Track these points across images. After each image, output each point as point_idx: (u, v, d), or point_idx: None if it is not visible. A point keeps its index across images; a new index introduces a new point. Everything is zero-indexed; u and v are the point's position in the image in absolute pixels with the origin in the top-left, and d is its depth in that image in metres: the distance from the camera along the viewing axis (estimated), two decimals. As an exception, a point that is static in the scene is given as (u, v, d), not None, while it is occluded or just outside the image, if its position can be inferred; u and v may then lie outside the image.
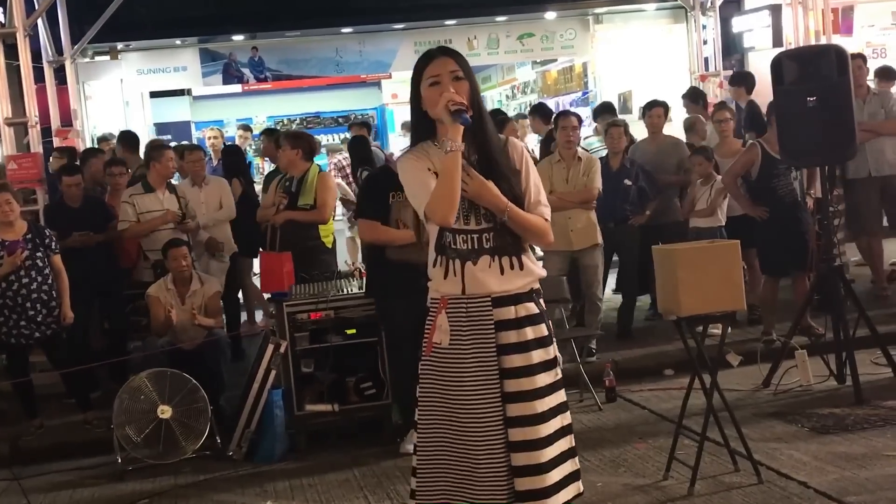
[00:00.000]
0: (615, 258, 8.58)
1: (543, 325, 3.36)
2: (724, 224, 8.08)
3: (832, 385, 6.69)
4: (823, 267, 6.74)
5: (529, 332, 3.30)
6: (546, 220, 3.38)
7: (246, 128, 13.32)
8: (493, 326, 3.27)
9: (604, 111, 10.25)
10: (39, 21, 9.98)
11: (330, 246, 7.64)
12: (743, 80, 10.32)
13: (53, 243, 7.02)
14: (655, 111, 8.83)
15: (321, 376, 6.48)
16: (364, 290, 6.42)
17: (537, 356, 3.31)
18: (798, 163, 7.20)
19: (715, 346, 5.56)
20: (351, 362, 6.55)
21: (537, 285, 3.40)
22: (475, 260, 3.27)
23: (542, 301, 3.41)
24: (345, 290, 6.65)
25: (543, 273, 3.42)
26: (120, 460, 6.30)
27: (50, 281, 6.90)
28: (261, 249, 7.84)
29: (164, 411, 6.28)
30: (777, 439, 5.77)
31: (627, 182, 8.12)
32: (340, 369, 6.53)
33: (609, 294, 9.38)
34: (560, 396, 3.39)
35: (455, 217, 3.21)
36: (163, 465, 6.26)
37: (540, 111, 10.27)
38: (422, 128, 3.38)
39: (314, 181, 7.33)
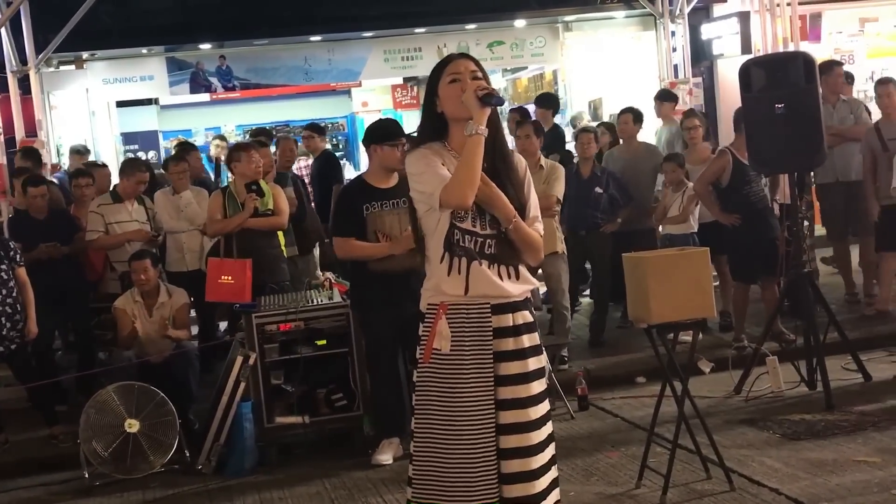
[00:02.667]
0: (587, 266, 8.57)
1: (537, 334, 3.43)
2: (696, 231, 8.11)
3: (803, 391, 6.71)
4: (793, 273, 6.77)
5: (526, 340, 3.36)
6: (541, 235, 3.42)
7: (221, 137, 13.18)
8: (491, 333, 3.30)
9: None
10: (3, 30, 9.88)
11: (287, 256, 7.64)
12: (549, 103, 10.46)
13: (18, 256, 6.91)
14: (623, 118, 8.84)
15: (291, 388, 6.42)
16: (350, 303, 6.37)
17: (533, 363, 3.36)
18: (766, 170, 7.23)
19: (686, 353, 5.55)
20: (321, 373, 6.49)
21: (529, 294, 3.45)
22: (479, 262, 3.30)
23: (532, 310, 3.47)
24: (314, 300, 6.60)
25: (537, 284, 3.49)
26: (87, 475, 6.22)
27: (15, 294, 6.78)
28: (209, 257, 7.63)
29: (132, 425, 6.20)
30: (749, 446, 5.77)
31: (598, 190, 8.11)
32: (311, 381, 6.47)
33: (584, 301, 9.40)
34: (547, 404, 3.44)
35: (472, 201, 3.24)
36: (131, 480, 6.19)
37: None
38: (432, 129, 3.42)
39: (268, 189, 7.30)
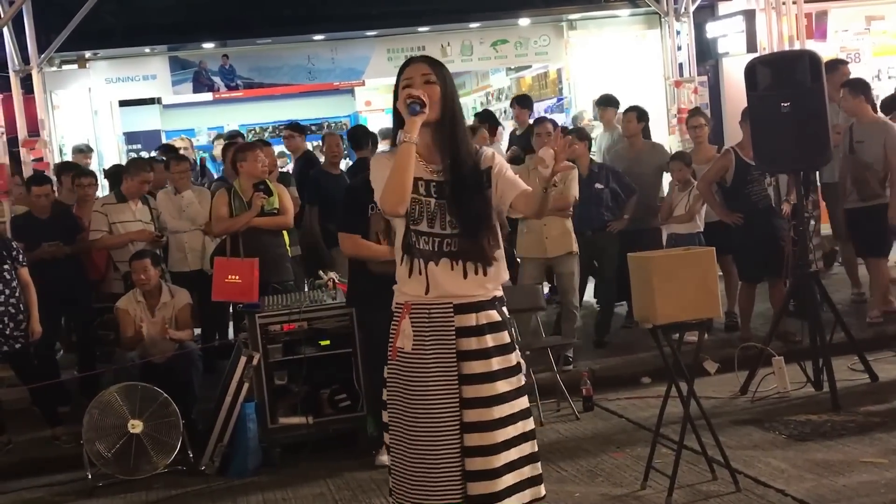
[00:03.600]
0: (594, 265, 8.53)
1: (505, 333, 3.43)
2: (702, 230, 8.07)
3: (809, 392, 6.68)
4: (799, 273, 6.73)
5: (490, 340, 3.38)
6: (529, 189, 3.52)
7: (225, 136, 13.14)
8: (454, 333, 3.33)
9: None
10: (5, 29, 9.86)
11: (292, 255, 7.61)
12: (527, 103, 10.60)
13: (21, 256, 6.89)
14: (626, 116, 8.82)
15: (295, 388, 6.40)
16: (345, 300, 6.33)
17: (497, 363, 3.37)
18: (772, 168, 7.20)
19: (692, 354, 5.53)
20: (325, 374, 6.48)
21: (500, 293, 3.46)
22: (437, 261, 3.32)
23: (504, 309, 3.48)
24: (318, 300, 6.56)
25: (506, 277, 3.49)
26: (90, 476, 6.21)
27: (17, 294, 6.77)
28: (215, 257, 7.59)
29: (135, 426, 6.19)
30: (754, 447, 5.75)
31: (599, 186, 8.07)
32: (314, 381, 6.45)
33: (589, 302, 9.35)
34: (522, 403, 3.44)
35: (405, 209, 3.28)
36: (134, 481, 6.18)
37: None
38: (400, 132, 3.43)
39: (274, 188, 7.28)
